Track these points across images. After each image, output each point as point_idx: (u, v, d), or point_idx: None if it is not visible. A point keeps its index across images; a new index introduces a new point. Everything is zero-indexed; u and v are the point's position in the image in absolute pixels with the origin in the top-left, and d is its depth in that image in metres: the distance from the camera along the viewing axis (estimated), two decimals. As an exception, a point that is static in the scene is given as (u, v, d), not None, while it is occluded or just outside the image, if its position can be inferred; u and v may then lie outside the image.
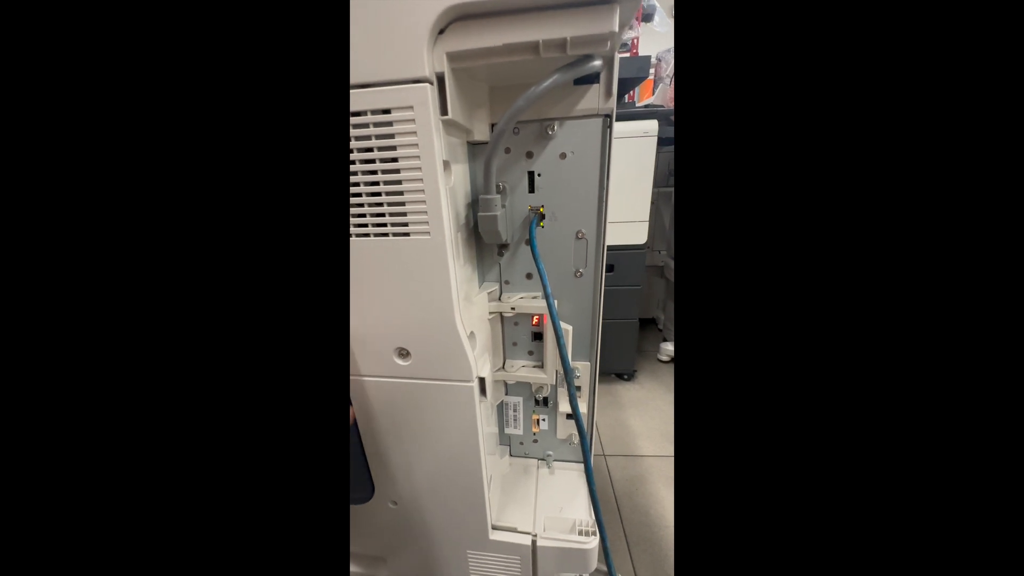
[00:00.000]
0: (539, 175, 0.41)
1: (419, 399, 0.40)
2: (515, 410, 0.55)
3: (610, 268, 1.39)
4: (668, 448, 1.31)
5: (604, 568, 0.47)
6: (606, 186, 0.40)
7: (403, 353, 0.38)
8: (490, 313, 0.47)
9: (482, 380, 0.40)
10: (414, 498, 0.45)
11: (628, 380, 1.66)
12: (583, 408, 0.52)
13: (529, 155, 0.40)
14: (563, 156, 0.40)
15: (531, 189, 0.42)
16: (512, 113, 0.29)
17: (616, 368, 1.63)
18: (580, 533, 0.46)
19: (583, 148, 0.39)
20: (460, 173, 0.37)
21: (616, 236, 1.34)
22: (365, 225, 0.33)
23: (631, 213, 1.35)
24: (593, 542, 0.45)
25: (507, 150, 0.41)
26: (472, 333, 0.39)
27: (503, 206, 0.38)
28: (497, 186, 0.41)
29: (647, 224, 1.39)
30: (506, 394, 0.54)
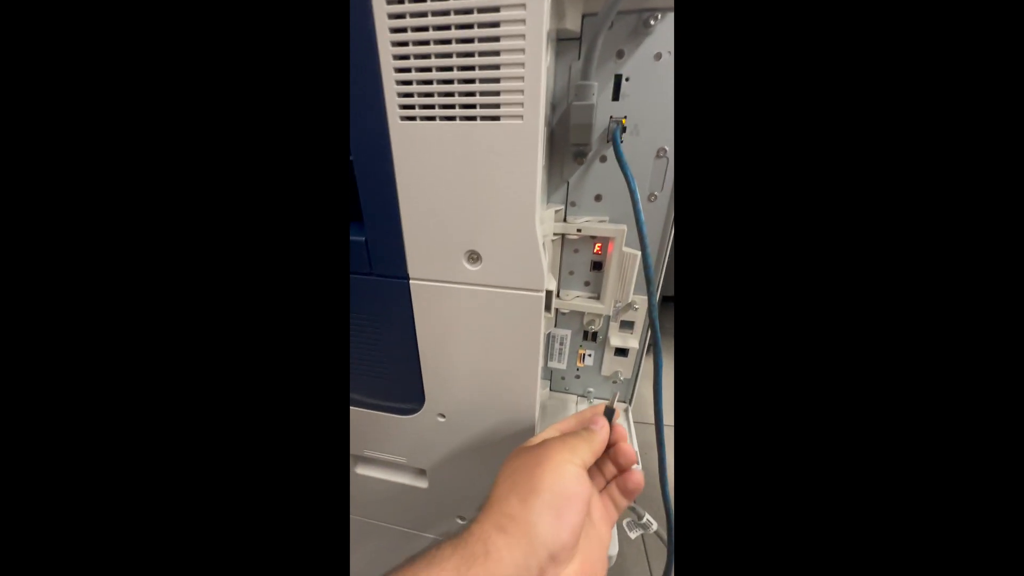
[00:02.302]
0: (627, 79, 0.38)
1: (484, 308, 0.39)
2: (561, 343, 0.54)
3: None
4: (682, 417, 1.32)
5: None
6: (700, 96, 0.37)
7: (474, 257, 0.37)
8: (553, 235, 0.45)
9: (549, 293, 0.39)
10: (462, 413, 0.46)
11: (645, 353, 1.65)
12: (634, 343, 0.51)
13: (620, 54, 0.37)
14: (658, 57, 0.36)
15: (615, 96, 0.39)
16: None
17: (634, 338, 1.62)
18: (627, 461, 0.45)
19: (683, 48, 0.36)
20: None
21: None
22: (452, 107, 0.31)
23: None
24: (640, 469, 0.45)
25: (596, 48, 0.37)
26: (544, 243, 0.38)
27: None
28: (586, 84, 0.38)
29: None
30: (555, 326, 0.53)
